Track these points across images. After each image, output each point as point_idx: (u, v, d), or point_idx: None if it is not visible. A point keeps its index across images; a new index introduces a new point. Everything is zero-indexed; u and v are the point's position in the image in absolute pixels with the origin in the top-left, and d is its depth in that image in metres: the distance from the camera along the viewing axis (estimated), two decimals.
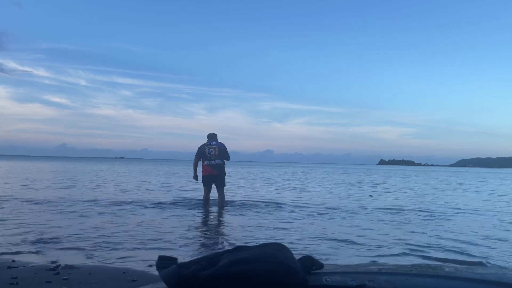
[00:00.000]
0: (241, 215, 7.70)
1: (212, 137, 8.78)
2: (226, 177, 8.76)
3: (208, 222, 7.11)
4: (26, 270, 3.58)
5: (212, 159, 8.53)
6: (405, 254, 4.70)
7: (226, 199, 8.90)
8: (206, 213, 8.11)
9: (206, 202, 8.72)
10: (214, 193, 8.79)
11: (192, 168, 8.96)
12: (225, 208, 8.56)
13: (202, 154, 8.61)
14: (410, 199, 11.89)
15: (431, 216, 8.07)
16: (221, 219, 7.41)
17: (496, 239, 5.81)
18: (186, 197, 10.54)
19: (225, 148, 8.67)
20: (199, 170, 8.78)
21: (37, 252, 4.38)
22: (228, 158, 8.71)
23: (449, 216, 8.10)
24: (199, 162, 8.73)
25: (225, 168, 8.77)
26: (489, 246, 5.27)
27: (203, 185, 8.72)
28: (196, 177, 8.85)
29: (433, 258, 4.52)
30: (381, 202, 10.64)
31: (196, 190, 11.67)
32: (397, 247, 5.02)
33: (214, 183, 8.64)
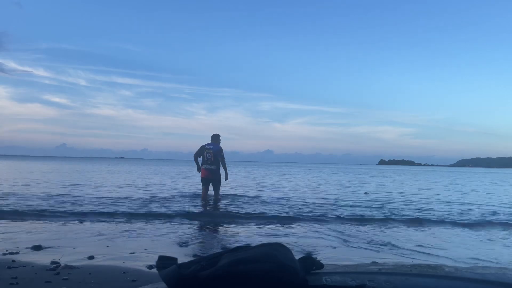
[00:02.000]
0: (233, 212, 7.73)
1: (213, 138, 9.50)
2: (222, 178, 9.54)
3: (205, 220, 7.11)
4: (26, 270, 3.57)
5: (208, 163, 9.34)
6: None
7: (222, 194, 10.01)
8: (203, 210, 8.45)
9: (203, 199, 9.53)
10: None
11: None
12: (220, 206, 9.03)
13: (201, 154, 9.37)
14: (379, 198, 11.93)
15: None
16: (216, 216, 7.42)
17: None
18: (183, 194, 10.56)
19: (218, 151, 9.33)
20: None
21: (37, 252, 4.38)
22: (220, 159, 9.32)
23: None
24: (199, 159, 9.50)
25: (221, 170, 9.44)
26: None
27: (202, 185, 9.59)
28: (199, 169, 9.52)
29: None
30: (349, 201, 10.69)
31: (187, 187, 11.69)
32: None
33: (210, 185, 9.53)
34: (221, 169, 9.38)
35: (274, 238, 5.52)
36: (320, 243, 5.21)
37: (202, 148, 9.36)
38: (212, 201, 9.44)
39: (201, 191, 9.67)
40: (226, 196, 10.69)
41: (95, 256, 4.18)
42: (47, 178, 18.61)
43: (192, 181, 17.14)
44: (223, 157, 9.36)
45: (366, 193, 13.59)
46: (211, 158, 9.29)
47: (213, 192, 9.54)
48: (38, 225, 6.07)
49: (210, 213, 8.19)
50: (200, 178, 9.50)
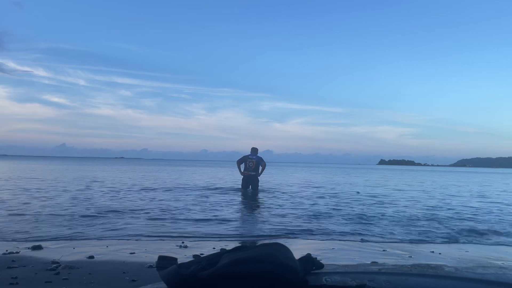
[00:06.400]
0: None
1: (253, 150, 12.36)
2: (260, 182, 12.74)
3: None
4: (26, 270, 3.58)
5: (250, 170, 12.27)
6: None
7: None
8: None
9: (244, 195, 11.85)
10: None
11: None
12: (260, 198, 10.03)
13: (245, 162, 12.23)
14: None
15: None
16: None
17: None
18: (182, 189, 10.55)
19: (260, 161, 12.20)
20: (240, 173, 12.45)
21: (37, 252, 4.38)
22: (262, 165, 12.25)
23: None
24: (241, 165, 12.36)
25: (260, 171, 12.37)
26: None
27: (241, 186, 12.59)
28: (242, 173, 12.44)
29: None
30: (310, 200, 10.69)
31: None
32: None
33: (250, 186, 12.42)
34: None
35: None
36: None
37: (246, 157, 12.21)
38: (252, 195, 11.69)
39: (241, 187, 12.60)
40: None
41: (95, 256, 4.18)
42: (41, 178, 18.56)
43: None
44: (265, 164, 12.26)
45: (358, 192, 13.75)
46: (252, 166, 12.20)
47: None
48: (38, 225, 6.07)
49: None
50: (241, 180, 12.49)
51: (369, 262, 4.15)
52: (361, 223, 7.01)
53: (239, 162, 12.35)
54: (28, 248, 4.52)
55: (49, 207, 8.18)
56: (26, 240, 5.04)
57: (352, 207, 9.25)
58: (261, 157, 12.29)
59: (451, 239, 5.80)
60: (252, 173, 12.26)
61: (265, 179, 22.24)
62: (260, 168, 12.34)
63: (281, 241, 5.60)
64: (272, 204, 9.78)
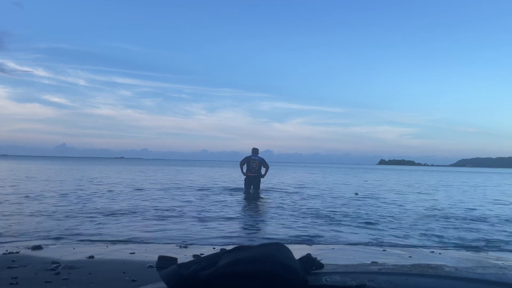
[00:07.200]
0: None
1: (254, 151, 12.40)
2: (261, 182, 12.86)
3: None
4: (26, 270, 3.58)
5: (253, 171, 12.40)
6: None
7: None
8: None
9: (246, 194, 12.23)
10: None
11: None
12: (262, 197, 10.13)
13: (247, 163, 12.32)
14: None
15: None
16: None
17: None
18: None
19: (263, 161, 12.36)
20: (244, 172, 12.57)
21: (37, 252, 4.39)
22: (266, 167, 12.41)
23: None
24: (244, 166, 12.49)
25: (263, 172, 12.52)
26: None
27: (244, 186, 12.69)
28: (245, 174, 12.57)
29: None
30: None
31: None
32: None
33: (252, 186, 12.50)
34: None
35: None
36: None
37: (249, 158, 12.29)
38: (254, 195, 11.82)
39: (244, 187, 12.78)
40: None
41: (95, 256, 4.18)
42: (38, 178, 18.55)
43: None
44: (268, 165, 12.46)
45: (356, 193, 13.83)
46: (255, 167, 12.29)
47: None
48: (37, 225, 6.07)
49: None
50: (245, 178, 12.53)
51: (369, 262, 4.15)
52: (360, 223, 7.01)
53: (242, 163, 12.46)
54: (28, 248, 4.52)
55: (49, 207, 8.18)
56: (26, 240, 5.04)
57: (350, 208, 9.25)
58: (263, 158, 12.44)
59: (451, 239, 5.80)
60: (255, 174, 12.41)
61: (265, 179, 22.28)
62: (264, 169, 12.47)
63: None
64: (272, 204, 9.81)
